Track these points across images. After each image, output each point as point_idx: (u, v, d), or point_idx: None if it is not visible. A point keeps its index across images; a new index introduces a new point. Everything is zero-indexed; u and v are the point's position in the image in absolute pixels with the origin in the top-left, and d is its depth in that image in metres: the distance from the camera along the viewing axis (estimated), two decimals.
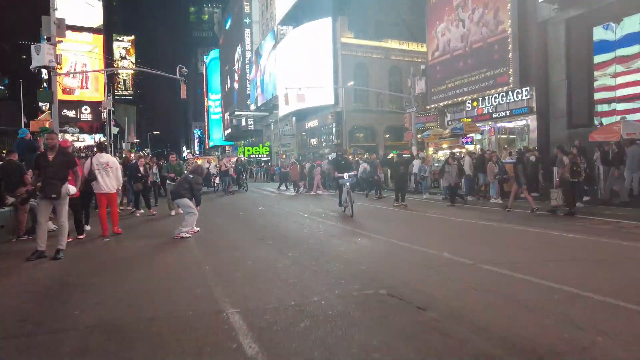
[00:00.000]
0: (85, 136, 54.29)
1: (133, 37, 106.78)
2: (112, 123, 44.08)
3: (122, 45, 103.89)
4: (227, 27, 70.46)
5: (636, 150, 11.65)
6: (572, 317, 3.19)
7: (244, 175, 21.44)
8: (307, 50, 39.53)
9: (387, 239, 6.87)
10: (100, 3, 56.55)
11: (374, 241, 6.78)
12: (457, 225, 8.79)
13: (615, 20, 17.91)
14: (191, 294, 4.00)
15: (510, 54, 20.70)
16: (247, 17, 58.66)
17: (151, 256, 5.91)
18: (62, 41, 15.32)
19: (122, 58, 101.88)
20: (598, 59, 18.68)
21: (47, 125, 15.40)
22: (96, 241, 7.32)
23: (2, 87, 70.78)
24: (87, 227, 8.49)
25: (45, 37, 15.46)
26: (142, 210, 11.40)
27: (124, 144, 45.83)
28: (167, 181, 11.95)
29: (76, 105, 54.94)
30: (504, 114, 22.31)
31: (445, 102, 25.72)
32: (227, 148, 77.46)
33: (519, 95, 21.13)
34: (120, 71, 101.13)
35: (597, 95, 18.98)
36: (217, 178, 20.82)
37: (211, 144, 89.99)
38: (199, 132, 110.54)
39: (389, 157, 22.36)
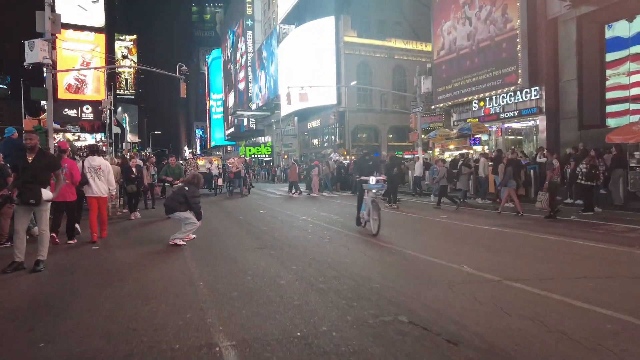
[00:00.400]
0: (87, 135, 54.03)
1: (135, 36, 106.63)
2: (114, 123, 43.66)
3: (124, 44, 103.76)
4: (229, 27, 69.94)
5: None
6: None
7: (247, 177, 20.47)
8: (309, 50, 39.00)
9: (399, 249, 6.31)
10: (96, 5, 56.08)
11: (384, 251, 6.22)
12: (470, 231, 8.23)
13: (629, 17, 17.33)
14: (180, 318, 3.45)
15: (519, 52, 20.10)
16: (250, 19, 58.17)
17: (139, 268, 5.35)
18: (56, 37, 14.83)
19: (124, 57, 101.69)
20: (610, 56, 18.12)
21: (41, 124, 14.89)
22: (83, 249, 6.79)
23: (4, 86, 70.50)
24: (77, 227, 8.19)
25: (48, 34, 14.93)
26: (138, 214, 10.87)
27: (123, 144, 45.36)
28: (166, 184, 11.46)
29: (77, 104, 54.69)
30: (512, 114, 21.73)
31: (451, 102, 25.13)
32: (229, 148, 76.99)
33: (528, 95, 20.56)
34: (122, 71, 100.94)
35: (609, 95, 18.42)
36: (220, 180, 19.87)
37: (213, 143, 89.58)
38: (200, 132, 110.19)
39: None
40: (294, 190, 18.96)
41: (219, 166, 20.88)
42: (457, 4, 24.40)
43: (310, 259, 5.64)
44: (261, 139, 57.70)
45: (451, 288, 4.23)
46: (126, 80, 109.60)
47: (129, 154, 20.55)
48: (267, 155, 50.62)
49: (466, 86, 24.02)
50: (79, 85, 56.18)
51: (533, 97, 20.29)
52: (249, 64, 57.67)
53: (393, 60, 39.34)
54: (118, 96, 77.68)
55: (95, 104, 51.59)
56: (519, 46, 20.15)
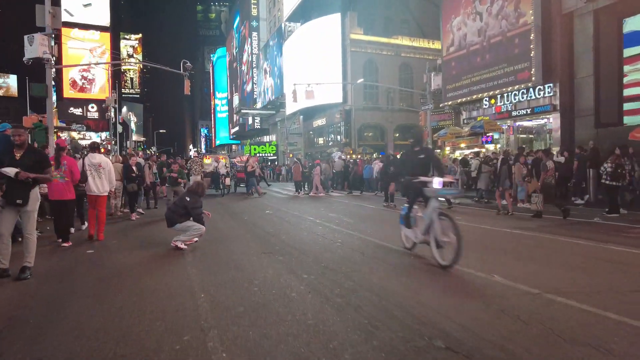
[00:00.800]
0: (92, 134, 54.09)
1: (140, 35, 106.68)
2: (120, 121, 43.45)
3: (130, 43, 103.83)
4: (234, 25, 69.52)
5: None
6: None
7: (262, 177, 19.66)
8: (315, 47, 38.49)
9: (418, 255, 5.79)
10: (101, 4, 56.09)
11: (403, 258, 5.70)
12: (488, 235, 7.69)
13: None
14: (177, 340, 2.96)
15: (533, 48, 19.47)
16: (255, 20, 57.70)
17: (136, 276, 4.87)
18: (60, 32, 14.45)
19: (130, 56, 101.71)
20: (629, 52, 17.43)
21: (42, 122, 14.51)
22: (78, 252, 6.33)
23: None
24: (83, 227, 8.29)
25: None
26: (138, 215, 10.42)
27: (127, 142, 45.16)
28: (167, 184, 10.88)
29: (83, 103, 54.71)
30: (524, 112, 21.11)
31: (461, 100, 24.52)
32: (234, 147, 76.68)
33: (541, 92, 19.93)
34: (127, 69, 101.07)
35: (627, 92, 17.75)
36: (228, 179, 18.63)
37: (217, 142, 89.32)
38: (205, 131, 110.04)
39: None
40: (299, 190, 18.50)
41: (227, 165, 19.50)
42: None
43: (322, 266, 5.13)
44: (265, 138, 57.28)
45: (486, 303, 3.71)
46: (131, 79, 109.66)
47: (127, 151, 19.94)
48: (272, 154, 50.16)
49: (477, 83, 23.40)
50: (86, 84, 56.19)
51: (547, 95, 19.66)
52: (254, 65, 57.22)
53: (400, 57, 38.76)
54: (123, 95, 77.61)
55: (100, 103, 51.55)
56: (532, 41, 19.51)
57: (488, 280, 4.50)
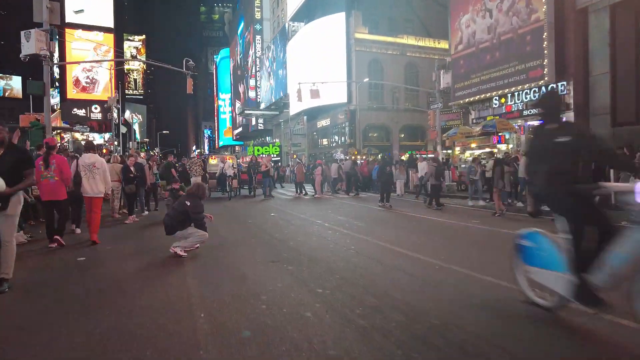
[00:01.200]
0: (95, 135, 53.91)
1: (144, 36, 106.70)
2: (122, 122, 43.13)
3: (133, 44, 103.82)
4: (238, 30, 69.13)
5: None
6: None
7: (254, 178, 17.88)
8: (319, 47, 37.99)
9: (444, 264, 5.21)
10: (105, 5, 56.22)
11: (428, 269, 5.12)
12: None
13: None
14: None
15: (546, 45, 18.85)
16: (258, 23, 57.28)
17: (128, 289, 4.33)
18: (65, 31, 14.01)
19: (133, 57, 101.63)
20: None
21: (39, 121, 14.04)
22: (67, 259, 5.81)
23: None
24: (78, 231, 7.93)
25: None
26: (137, 218, 9.90)
27: (130, 143, 44.83)
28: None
29: (86, 104, 54.51)
30: (536, 111, 20.47)
31: (470, 99, 23.91)
32: (237, 148, 76.25)
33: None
34: (130, 70, 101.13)
35: None
36: (235, 181, 17.13)
37: (221, 143, 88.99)
38: (208, 132, 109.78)
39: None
40: (301, 192, 17.95)
41: (234, 166, 17.81)
42: None
43: (337, 278, 4.57)
44: (268, 139, 56.81)
45: (548, 328, 3.13)
46: (135, 80, 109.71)
47: (129, 152, 19.26)
48: (275, 155, 49.66)
49: (486, 82, 22.80)
50: (90, 85, 56.09)
51: (560, 93, 19.02)
52: (257, 69, 56.77)
53: (405, 57, 38.24)
54: (127, 96, 77.45)
55: (104, 104, 51.31)
56: (545, 38, 18.90)
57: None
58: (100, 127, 54.19)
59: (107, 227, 8.10)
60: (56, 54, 60.01)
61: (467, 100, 24.33)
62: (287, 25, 45.93)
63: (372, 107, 36.84)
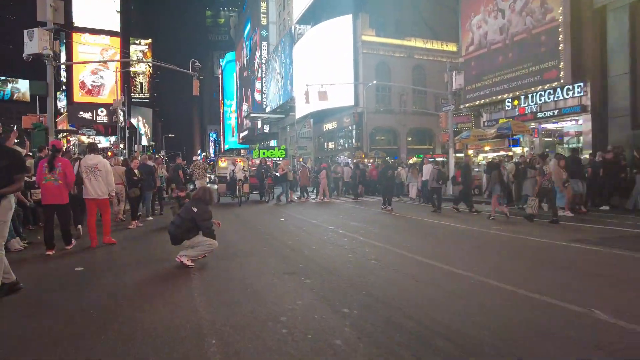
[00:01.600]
0: (101, 138, 53.99)
1: (150, 40, 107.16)
2: (128, 125, 43.00)
3: (139, 48, 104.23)
4: (244, 32, 68.99)
5: None
6: None
7: (266, 182, 16.57)
8: (326, 50, 37.62)
9: (479, 278, 4.70)
10: (112, 10, 56.88)
11: (462, 283, 4.60)
12: (549, 250, 6.59)
13: None
14: None
15: (561, 45, 18.31)
16: (264, 29, 57.07)
17: (127, 307, 3.85)
18: (72, 34, 13.68)
19: (140, 61, 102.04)
20: None
21: (42, 122, 13.68)
22: (64, 269, 5.35)
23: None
24: (80, 228, 7.88)
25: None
26: (141, 223, 9.45)
27: (135, 146, 44.62)
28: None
29: (93, 107, 54.63)
30: (551, 114, 19.89)
31: (481, 101, 23.37)
32: (242, 151, 75.97)
33: (570, 92, 18.72)
34: (136, 74, 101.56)
35: None
36: (246, 186, 15.77)
37: (226, 147, 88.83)
38: (214, 135, 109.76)
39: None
40: (305, 196, 17.41)
41: (245, 169, 16.35)
42: None
43: (364, 295, 4.07)
44: (272, 142, 56.47)
45: (613, 356, 2.62)
46: (141, 83, 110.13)
47: (135, 154, 18.71)
48: (281, 159, 49.27)
49: (498, 83, 22.26)
50: (96, 89, 56.33)
51: (576, 94, 18.44)
52: (263, 74, 56.54)
53: (412, 59, 37.80)
54: (133, 99, 77.63)
55: (110, 107, 51.37)
56: (560, 38, 18.35)
57: (591, 317, 3.42)
58: (107, 130, 54.25)
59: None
60: (63, 57, 60.40)
61: (478, 102, 23.81)
62: (293, 28, 45.65)
63: (380, 110, 36.39)
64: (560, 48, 18.35)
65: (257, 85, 58.51)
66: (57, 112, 62.05)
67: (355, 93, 35.25)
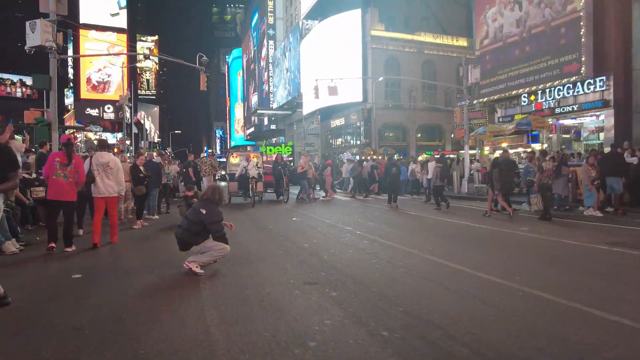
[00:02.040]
0: (108, 135, 54.00)
1: (156, 37, 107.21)
2: (134, 121, 42.80)
3: (146, 45, 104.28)
4: (252, 23, 68.39)
5: None
6: None
7: (283, 180, 14.93)
8: (334, 45, 36.95)
9: (530, 290, 4.12)
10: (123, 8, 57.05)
11: (511, 296, 4.03)
12: (586, 255, 6.00)
13: None
14: None
15: (583, 37, 17.56)
16: (271, 28, 56.49)
17: (128, 326, 3.33)
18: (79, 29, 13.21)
19: (146, 58, 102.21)
20: None
21: (45, 117, 13.23)
22: (60, 275, 4.85)
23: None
24: (81, 232, 7.66)
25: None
26: (146, 223, 8.97)
27: (142, 142, 44.36)
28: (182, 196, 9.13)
29: (99, 104, 54.65)
30: (570, 109, 19.19)
31: (496, 96, 22.65)
32: (249, 148, 75.53)
33: (591, 87, 18.01)
34: (143, 71, 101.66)
35: None
36: (260, 184, 14.30)
37: (232, 143, 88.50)
38: (220, 132, 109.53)
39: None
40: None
41: (259, 166, 14.85)
42: None
43: (401, 312, 3.51)
44: (281, 139, 55.95)
45: None
46: (147, 80, 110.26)
47: (141, 151, 18.14)
48: (288, 156, 48.74)
49: (514, 78, 21.55)
50: (103, 85, 56.40)
51: (598, 89, 17.72)
52: (270, 68, 56.03)
53: (422, 55, 37.05)
54: (139, 96, 77.65)
55: (116, 104, 51.35)
56: (582, 30, 17.60)
57: None
58: (113, 126, 54.15)
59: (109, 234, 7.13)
60: (70, 52, 60.31)
61: (493, 97, 23.10)
62: (300, 24, 45.00)
63: (389, 105, 35.71)
64: (582, 40, 17.60)
65: (265, 75, 57.94)
66: (65, 109, 62.22)
67: (364, 89, 34.60)
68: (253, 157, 14.52)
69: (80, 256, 5.96)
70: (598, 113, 18.44)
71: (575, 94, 18.73)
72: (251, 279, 4.64)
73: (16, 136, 11.90)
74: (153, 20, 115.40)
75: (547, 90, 20.05)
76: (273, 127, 56.74)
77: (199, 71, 18.06)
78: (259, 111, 56.97)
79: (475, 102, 23.34)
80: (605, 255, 6.00)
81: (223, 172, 26.82)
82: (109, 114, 55.01)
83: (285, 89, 50.63)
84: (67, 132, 52.24)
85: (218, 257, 4.95)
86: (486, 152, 17.57)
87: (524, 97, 21.41)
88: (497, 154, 14.83)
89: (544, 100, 20.40)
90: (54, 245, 6.15)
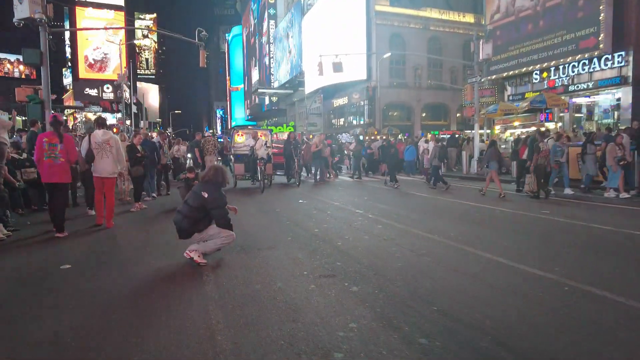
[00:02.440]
0: (108, 115, 53.26)
1: (155, 15, 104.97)
2: (134, 101, 42.02)
3: (144, 23, 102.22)
4: (251, 1, 66.52)
5: None
6: None
7: (294, 161, 13.37)
8: (337, 21, 35.78)
9: (578, 285, 3.63)
10: None
11: (556, 290, 3.54)
12: (631, 241, 5.50)
13: None
14: None
15: (602, 10, 16.66)
16: (272, 7, 54.66)
17: (119, 331, 2.85)
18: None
19: (144, 36, 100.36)
20: None
21: (38, 95, 12.59)
22: (48, 266, 4.37)
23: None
24: (92, 212, 7.38)
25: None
26: (144, 206, 8.47)
27: (141, 122, 43.66)
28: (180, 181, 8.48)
29: (98, 83, 53.73)
30: (584, 86, 18.41)
31: (507, 73, 21.83)
32: (250, 127, 74.55)
33: (609, 63, 17.20)
34: (142, 50, 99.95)
35: None
36: (270, 166, 12.61)
37: (233, 123, 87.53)
38: (221, 112, 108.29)
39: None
40: (307, 175, 15.97)
41: (269, 145, 13.01)
42: None
43: (435, 311, 3.01)
44: (280, 119, 55.08)
45: None
46: (147, 60, 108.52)
47: (141, 130, 17.44)
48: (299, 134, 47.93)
49: (526, 54, 20.70)
50: (98, 63, 55.28)
51: (616, 65, 16.92)
52: (271, 41, 54.60)
53: (428, 31, 35.91)
54: (139, 76, 76.37)
55: (115, 83, 50.43)
56: (602, 4, 16.67)
57: None
58: (113, 106, 53.35)
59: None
60: (67, 34, 58.76)
61: (503, 74, 22.28)
62: (302, 0, 43.59)
63: (393, 84, 34.78)
64: (600, 14, 16.70)
65: (266, 49, 56.56)
66: (63, 89, 61.15)
67: (368, 66, 33.61)
68: (261, 135, 12.86)
69: (72, 243, 5.48)
70: (614, 90, 17.68)
71: (591, 70, 17.94)
72: (259, 270, 4.14)
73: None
74: None
75: (561, 67, 19.23)
76: (275, 107, 55.76)
77: (199, 47, 17.33)
78: (259, 90, 55.87)
79: (483, 79, 22.52)
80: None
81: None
82: (108, 93, 54.15)
83: (287, 67, 49.47)
84: (66, 111, 51.47)
85: (222, 245, 4.44)
86: (496, 131, 16.90)
87: (536, 74, 20.60)
88: (509, 132, 14.30)
89: (557, 77, 19.61)
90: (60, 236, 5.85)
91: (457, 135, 19.63)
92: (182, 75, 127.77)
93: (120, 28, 46.77)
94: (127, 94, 33.24)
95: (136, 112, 44.44)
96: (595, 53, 17.20)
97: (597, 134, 11.65)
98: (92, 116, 50.24)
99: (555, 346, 2.52)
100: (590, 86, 18.11)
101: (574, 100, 19.75)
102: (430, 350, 2.45)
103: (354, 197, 10.38)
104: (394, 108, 36.39)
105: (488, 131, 18.80)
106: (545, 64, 19.80)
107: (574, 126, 19.86)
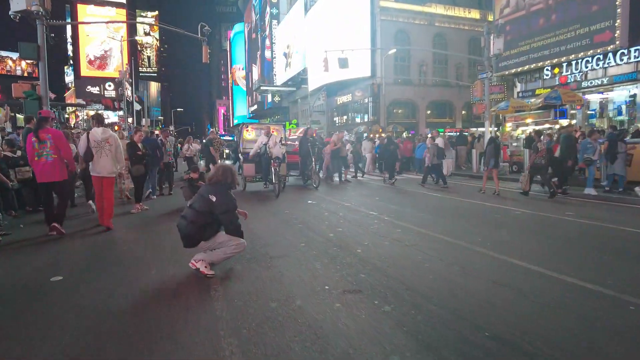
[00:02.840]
0: (110, 113, 52.97)
1: (157, 12, 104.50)
2: (136, 99, 41.64)
3: (146, 21, 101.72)
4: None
5: None
6: None
7: (312, 160, 11.88)
8: (340, 18, 35.29)
9: (628, 298, 3.16)
10: None
11: (601, 302, 3.08)
12: None
13: None
14: None
15: (619, 3, 16.11)
16: (274, 7, 54.08)
17: (113, 358, 2.40)
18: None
19: (146, 34, 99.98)
20: None
21: (35, 91, 12.15)
22: (39, 276, 3.92)
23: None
24: (93, 205, 7.30)
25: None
26: (146, 207, 8.02)
27: (143, 120, 43.25)
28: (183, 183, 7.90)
29: (100, 81, 53.45)
30: (599, 82, 17.87)
31: (517, 69, 21.30)
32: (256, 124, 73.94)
33: (624, 57, 16.65)
34: (144, 47, 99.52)
35: None
36: (284, 166, 10.96)
37: (235, 121, 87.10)
38: (223, 110, 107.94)
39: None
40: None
41: (284, 142, 11.66)
42: None
43: (487, 337, 2.54)
44: (281, 117, 54.59)
45: None
46: (148, 57, 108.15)
47: (142, 128, 17.06)
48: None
49: (537, 49, 20.18)
50: (99, 61, 54.96)
51: (632, 59, 16.39)
52: (274, 40, 54.04)
53: (433, 27, 35.39)
54: (140, 73, 75.99)
55: (116, 79, 50.14)
56: None
57: None
58: (114, 104, 52.99)
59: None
60: (69, 31, 58.33)
61: (512, 71, 21.75)
62: None
63: (398, 81, 34.24)
64: (617, 6, 16.16)
65: (268, 43, 55.96)
66: (65, 87, 60.77)
67: (373, 63, 33.08)
68: (274, 131, 11.34)
69: (67, 247, 5.03)
70: (630, 86, 17.15)
71: (606, 65, 17.41)
72: (274, 284, 3.67)
73: None
74: None
75: (574, 63, 18.71)
76: (278, 104, 55.25)
77: (201, 42, 16.88)
78: (262, 87, 55.36)
79: (491, 75, 21.99)
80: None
81: (227, 151, 25.70)
82: (110, 91, 53.85)
83: (289, 65, 48.92)
84: (67, 109, 51.08)
85: (232, 254, 3.98)
86: (507, 129, 16.38)
87: (547, 70, 20.07)
88: (521, 130, 13.88)
89: (569, 73, 19.08)
90: (55, 225, 5.69)
91: (465, 133, 19.13)
92: (184, 73, 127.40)
93: (122, 22, 46.30)
94: (128, 92, 32.88)
95: (138, 109, 44.07)
96: (611, 47, 16.67)
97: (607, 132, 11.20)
98: (92, 113, 50.01)
99: (555, 340, 2.05)
100: (605, 82, 17.58)
101: (586, 96, 19.22)
102: None
103: (362, 197, 9.91)
104: (399, 105, 35.88)
105: (496, 129, 18.32)
106: (557, 59, 19.30)
107: (585, 124, 19.33)
